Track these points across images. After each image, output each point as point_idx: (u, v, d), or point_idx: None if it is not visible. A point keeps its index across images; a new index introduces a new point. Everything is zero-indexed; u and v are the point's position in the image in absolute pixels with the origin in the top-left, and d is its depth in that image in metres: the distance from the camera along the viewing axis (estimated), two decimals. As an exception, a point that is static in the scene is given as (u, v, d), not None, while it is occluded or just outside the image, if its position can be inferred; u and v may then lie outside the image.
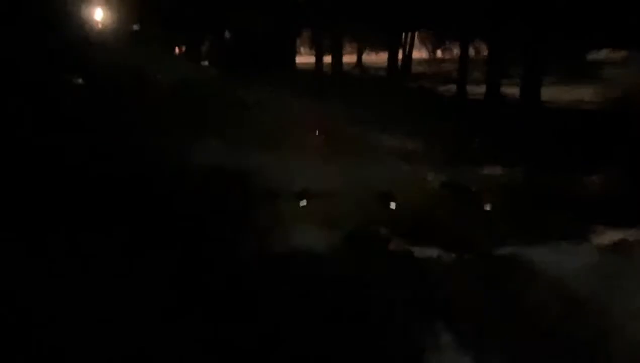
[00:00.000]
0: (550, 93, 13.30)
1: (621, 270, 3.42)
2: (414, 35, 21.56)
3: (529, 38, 11.17)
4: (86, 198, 4.66)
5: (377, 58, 25.41)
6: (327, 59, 19.52)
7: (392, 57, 18.19)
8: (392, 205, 5.91)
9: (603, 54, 19.28)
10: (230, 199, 5.53)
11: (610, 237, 4.43)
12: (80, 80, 7.28)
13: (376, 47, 24.65)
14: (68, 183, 4.97)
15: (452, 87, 15.36)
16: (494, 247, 4.31)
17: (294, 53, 19.90)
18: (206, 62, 11.89)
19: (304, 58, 24.67)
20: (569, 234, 4.56)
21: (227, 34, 14.84)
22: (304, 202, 5.82)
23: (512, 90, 12.79)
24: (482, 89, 13.73)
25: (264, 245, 4.17)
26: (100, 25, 7.68)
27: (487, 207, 6.03)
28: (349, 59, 23.77)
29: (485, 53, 16.89)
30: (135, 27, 9.16)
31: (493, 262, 4.05)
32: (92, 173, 5.36)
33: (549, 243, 4.14)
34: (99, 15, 7.78)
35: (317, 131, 9.69)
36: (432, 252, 4.26)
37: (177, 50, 13.19)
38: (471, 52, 17.63)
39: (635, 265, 3.55)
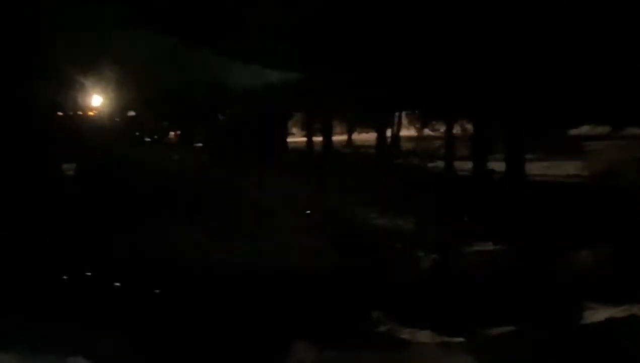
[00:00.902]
0: (536, 168, 13.65)
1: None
2: (402, 115, 22.35)
3: (511, 118, 11.65)
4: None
5: (367, 136, 26.12)
6: (318, 138, 20.09)
7: (381, 136, 18.74)
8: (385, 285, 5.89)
9: (585, 129, 20.03)
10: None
11: (601, 314, 4.39)
12: (72, 172, 7.44)
13: (366, 127, 25.46)
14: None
15: (440, 164, 15.71)
16: (488, 328, 4.25)
17: (285, 134, 20.47)
18: (200, 145, 12.17)
19: (296, 138, 25.35)
20: (560, 312, 4.53)
21: (220, 117, 15.34)
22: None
23: (498, 166, 13.11)
24: (469, 165, 14.06)
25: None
26: (96, 112, 7.94)
27: (479, 285, 6.01)
28: (340, 137, 24.47)
29: (471, 130, 17.47)
30: (131, 113, 9.48)
31: (487, 344, 3.97)
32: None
33: (539, 322, 4.09)
34: (95, 101, 8.06)
35: (309, 212, 9.78)
36: (425, 336, 4.18)
37: (172, 133, 13.60)
38: (457, 129, 18.24)
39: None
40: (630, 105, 12.63)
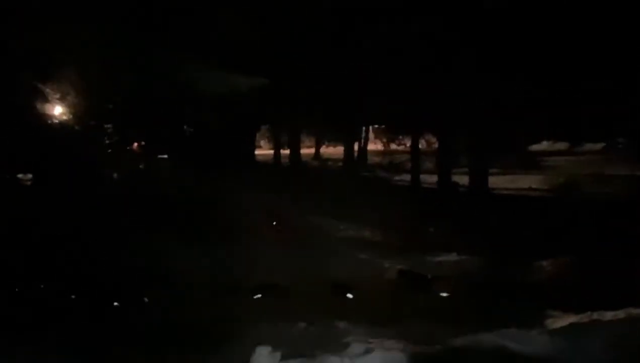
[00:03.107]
0: (498, 181, 13.98)
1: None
2: (369, 129, 22.60)
3: (474, 133, 11.94)
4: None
5: (334, 150, 26.28)
6: (286, 151, 20.06)
7: (349, 150, 18.88)
8: (349, 296, 5.86)
9: (545, 145, 20.73)
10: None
11: (562, 321, 4.47)
12: (29, 178, 7.17)
13: (333, 140, 25.61)
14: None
15: (407, 177, 15.91)
16: (450, 338, 4.24)
17: (253, 146, 20.35)
18: (165, 156, 11.89)
19: (264, 151, 25.24)
20: (523, 320, 4.57)
21: (185, 128, 15.10)
22: (259, 296, 5.71)
23: (462, 179, 13.37)
24: (434, 178, 14.28)
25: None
26: (55, 121, 7.67)
27: (443, 294, 6.06)
28: (307, 151, 24.52)
29: (436, 145, 17.81)
30: (92, 122, 9.19)
31: (451, 353, 3.96)
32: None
33: (503, 331, 4.12)
34: (54, 110, 7.78)
35: (275, 223, 9.70)
36: (390, 344, 4.13)
37: (135, 144, 13.15)
38: (423, 143, 18.56)
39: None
40: (587, 123, 13.18)
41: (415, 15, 10.60)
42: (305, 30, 11.11)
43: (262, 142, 27.83)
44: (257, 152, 21.32)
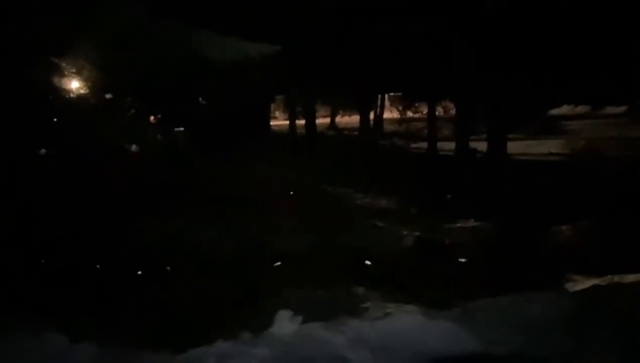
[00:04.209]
0: (517, 147, 13.77)
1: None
2: (384, 97, 22.33)
3: (492, 99, 11.66)
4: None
5: (350, 119, 26.11)
6: (302, 121, 19.99)
7: (364, 118, 18.72)
8: (367, 263, 5.90)
9: (565, 109, 20.26)
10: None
11: (583, 284, 4.45)
12: (45, 151, 7.24)
13: (348, 109, 25.41)
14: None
15: (423, 145, 15.78)
16: (469, 302, 4.26)
17: (268, 117, 20.30)
18: (181, 129, 11.93)
19: (279, 121, 25.20)
20: (543, 284, 4.57)
21: (201, 100, 15.08)
22: (278, 264, 5.79)
23: (480, 146, 13.20)
24: (452, 145, 14.13)
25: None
26: (72, 95, 7.68)
27: (462, 260, 6.06)
28: (323, 120, 24.39)
29: (453, 111, 17.56)
30: (109, 96, 9.22)
31: (470, 316, 3.97)
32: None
33: (522, 294, 4.11)
34: (71, 84, 7.80)
35: (292, 193, 9.75)
36: (409, 309, 4.17)
37: (152, 117, 13.21)
38: (439, 110, 18.32)
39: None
40: (609, 85, 12.79)
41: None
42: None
43: (277, 113, 27.77)
44: (272, 122, 21.29)
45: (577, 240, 6.52)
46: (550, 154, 13.63)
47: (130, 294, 4.69)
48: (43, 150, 7.05)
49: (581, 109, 19.71)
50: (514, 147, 13.43)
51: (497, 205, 7.90)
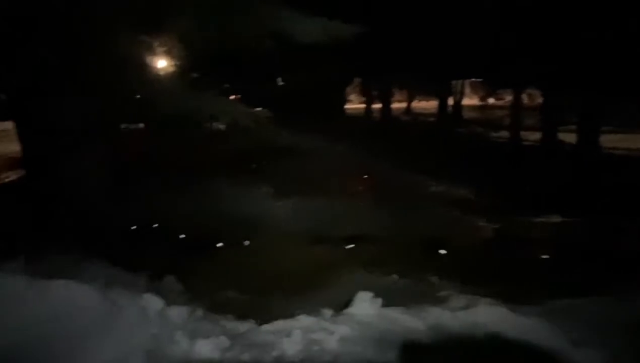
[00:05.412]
0: (609, 141, 12.78)
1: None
2: (465, 82, 21.53)
3: (587, 88, 10.81)
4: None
5: (427, 104, 25.48)
6: (378, 105, 19.77)
7: (442, 104, 18.18)
8: (442, 252, 5.77)
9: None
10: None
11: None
12: (141, 126, 7.69)
13: (426, 94, 24.78)
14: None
15: (505, 134, 15.08)
16: (552, 300, 4.05)
17: (344, 100, 20.28)
18: (259, 109, 12.20)
19: (355, 105, 25.08)
20: (632, 286, 4.24)
21: (279, 82, 15.36)
22: (351, 246, 5.80)
23: (568, 138, 12.40)
24: (536, 136, 13.40)
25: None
26: (160, 73, 8.06)
27: (544, 257, 5.76)
28: (399, 105, 23.96)
29: (539, 100, 16.61)
30: (195, 75, 9.62)
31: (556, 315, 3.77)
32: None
33: (611, 296, 3.85)
34: (159, 63, 8.17)
35: (366, 177, 9.72)
36: (488, 301, 4.03)
37: (232, 96, 13.70)
38: (524, 98, 17.37)
39: None
40: None
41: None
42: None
43: (352, 96, 27.65)
44: (347, 106, 21.23)
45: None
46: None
47: (211, 264, 4.91)
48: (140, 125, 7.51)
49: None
50: (607, 140, 12.48)
51: (586, 202, 7.41)
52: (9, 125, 6.04)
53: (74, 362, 2.21)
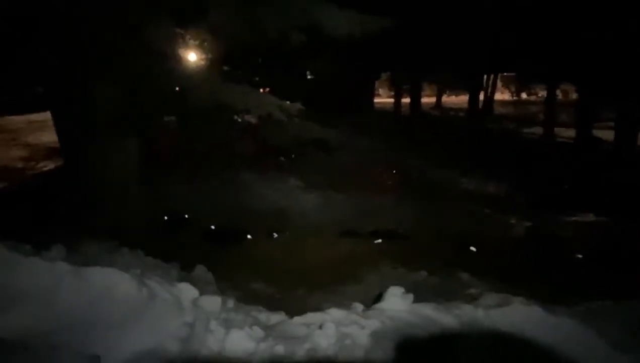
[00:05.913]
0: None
1: None
2: (496, 77, 21.09)
3: (626, 84, 10.43)
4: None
5: (457, 99, 25.07)
6: (406, 100, 19.55)
7: (473, 99, 17.84)
8: (472, 249, 5.69)
9: None
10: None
11: None
12: (173, 119, 7.81)
13: (456, 89, 24.39)
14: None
15: (538, 130, 14.74)
16: (589, 301, 3.95)
17: (372, 94, 20.12)
18: (288, 102, 12.21)
19: (383, 99, 24.88)
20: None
21: (309, 75, 15.36)
22: (379, 241, 5.78)
23: (604, 134, 12.04)
24: (570, 132, 13.05)
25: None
26: (192, 66, 8.17)
27: (578, 256, 5.63)
28: (428, 100, 23.66)
29: (573, 95, 16.17)
30: (226, 68, 9.70)
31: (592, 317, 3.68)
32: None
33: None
34: (191, 56, 8.28)
35: (396, 173, 9.64)
36: (520, 301, 3.95)
37: (262, 90, 13.76)
38: (558, 93, 16.92)
39: None
40: None
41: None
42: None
43: (380, 90, 27.44)
44: (375, 100, 21.06)
45: None
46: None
47: (240, 256, 4.96)
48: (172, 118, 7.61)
49: None
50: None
51: (622, 201, 7.19)
52: (47, 115, 6.21)
53: (112, 348, 2.27)
